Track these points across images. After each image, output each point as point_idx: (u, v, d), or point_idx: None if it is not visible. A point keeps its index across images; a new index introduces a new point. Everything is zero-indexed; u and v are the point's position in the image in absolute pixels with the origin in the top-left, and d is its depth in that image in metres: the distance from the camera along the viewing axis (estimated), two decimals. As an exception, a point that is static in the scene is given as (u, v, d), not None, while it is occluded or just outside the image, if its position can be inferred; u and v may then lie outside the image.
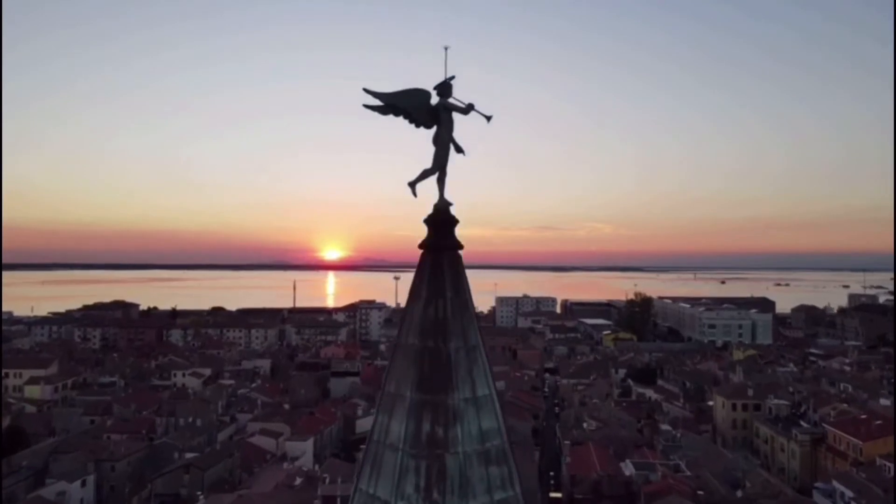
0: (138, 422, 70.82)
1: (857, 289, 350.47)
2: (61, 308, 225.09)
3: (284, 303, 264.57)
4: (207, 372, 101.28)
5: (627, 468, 52.45)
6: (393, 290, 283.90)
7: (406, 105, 7.42)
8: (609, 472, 50.47)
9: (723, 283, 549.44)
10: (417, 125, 7.69)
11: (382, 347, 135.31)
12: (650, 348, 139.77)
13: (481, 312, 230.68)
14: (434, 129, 7.69)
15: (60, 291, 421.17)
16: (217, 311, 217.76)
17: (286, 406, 79.03)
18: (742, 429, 75.90)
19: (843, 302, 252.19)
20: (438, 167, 7.65)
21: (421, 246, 7.57)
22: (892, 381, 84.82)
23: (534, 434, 74.38)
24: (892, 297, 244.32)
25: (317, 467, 56.97)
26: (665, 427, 69.48)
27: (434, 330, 7.12)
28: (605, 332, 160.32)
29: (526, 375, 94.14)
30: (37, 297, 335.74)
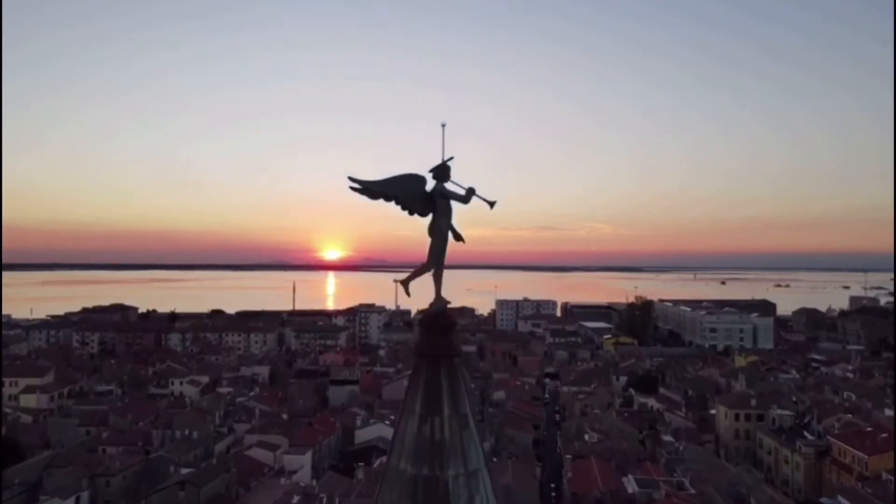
0: (134, 433, 69.91)
1: (857, 289, 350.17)
2: (60, 310, 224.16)
3: (284, 304, 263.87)
4: (205, 379, 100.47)
5: (630, 484, 51.60)
6: (392, 292, 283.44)
7: (396, 194, 6.59)
8: (611, 489, 49.63)
9: (723, 283, 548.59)
10: (411, 213, 6.85)
11: (382, 353, 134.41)
12: (651, 353, 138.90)
13: (481, 315, 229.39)
14: (430, 217, 6.85)
15: (60, 292, 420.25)
16: (216, 314, 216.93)
17: (284, 416, 78.13)
18: (745, 439, 75.00)
19: (844, 303, 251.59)
20: (435, 262, 6.80)
21: (415, 352, 6.74)
22: (893, 389, 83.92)
23: (534, 444, 73.54)
24: (892, 300, 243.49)
25: (315, 482, 56.12)
26: (667, 438, 68.64)
27: (430, 454, 6.26)
28: (606, 337, 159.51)
29: (526, 384, 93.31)
30: (36, 297, 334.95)
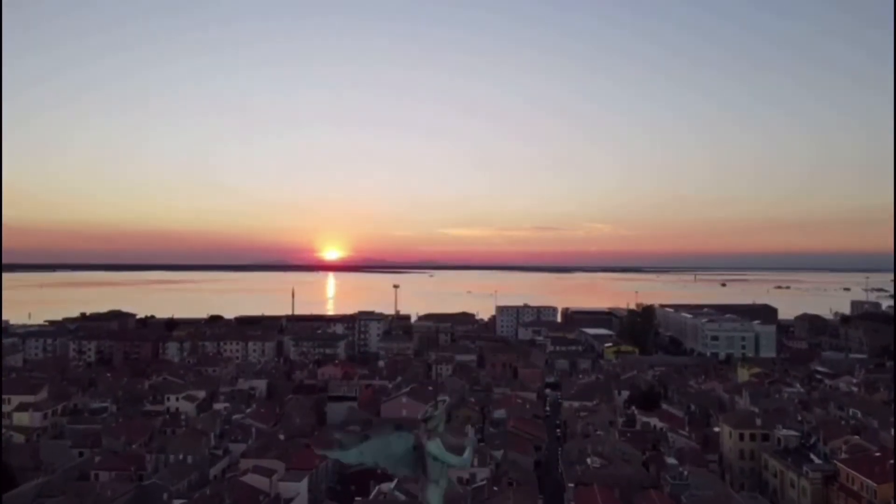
0: (127, 457, 68.33)
1: (858, 291, 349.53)
2: (59, 315, 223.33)
3: (284, 307, 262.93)
4: (202, 394, 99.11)
5: (634, 517, 50.20)
6: (392, 295, 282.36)
7: (375, 461, 5.22)
8: (615, 523, 48.21)
9: (723, 285, 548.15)
10: (398, 475, 5.43)
11: (381, 363, 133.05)
12: (652, 362, 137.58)
13: (482, 320, 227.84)
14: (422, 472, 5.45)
15: (58, 296, 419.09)
16: (215, 321, 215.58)
17: (281, 436, 76.76)
18: (750, 460, 73.62)
19: (845, 306, 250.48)
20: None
21: None
22: (894, 413, 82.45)
23: (536, 466, 72.08)
24: (893, 303, 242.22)
25: (311, 513, 54.71)
26: (671, 461, 67.25)
27: None
28: (607, 345, 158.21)
29: (528, 403, 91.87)
30: (35, 301, 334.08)
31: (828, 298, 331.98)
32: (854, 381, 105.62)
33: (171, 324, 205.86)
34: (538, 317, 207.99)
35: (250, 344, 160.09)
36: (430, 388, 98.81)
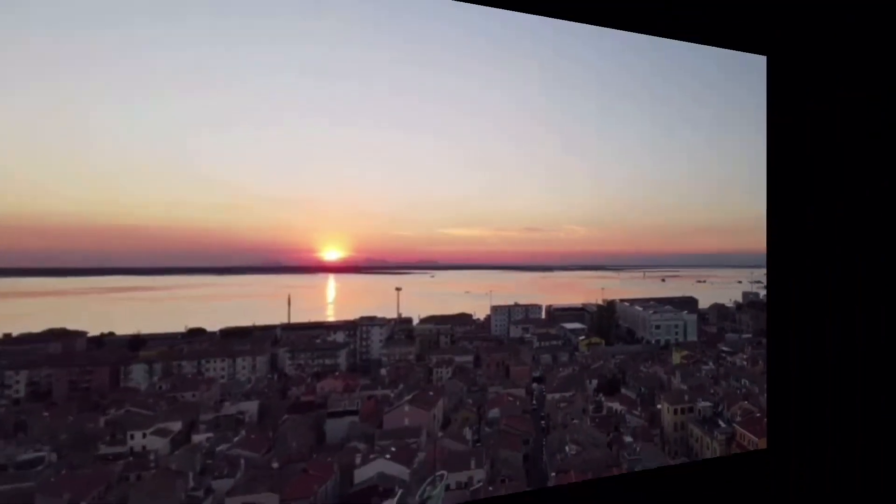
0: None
1: (746, 284, 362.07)
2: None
3: (278, 315, 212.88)
4: (177, 426, 52.44)
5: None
6: (394, 298, 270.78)
7: None
8: None
9: (663, 280, 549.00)
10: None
11: (384, 371, 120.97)
12: (614, 352, 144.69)
13: (479, 320, 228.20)
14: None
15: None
16: (195, 334, 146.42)
17: (274, 465, 55.59)
18: (681, 430, 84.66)
19: (739, 297, 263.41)
20: None
21: None
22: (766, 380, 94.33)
23: (524, 460, 75.79)
24: (767, 294, 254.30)
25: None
26: (628, 439, 74.23)
27: None
28: (581, 338, 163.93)
29: (518, 400, 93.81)
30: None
31: (728, 290, 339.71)
32: (744, 356, 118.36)
33: (137, 342, 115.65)
34: (526, 315, 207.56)
35: (238, 360, 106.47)
36: (431, 393, 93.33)
